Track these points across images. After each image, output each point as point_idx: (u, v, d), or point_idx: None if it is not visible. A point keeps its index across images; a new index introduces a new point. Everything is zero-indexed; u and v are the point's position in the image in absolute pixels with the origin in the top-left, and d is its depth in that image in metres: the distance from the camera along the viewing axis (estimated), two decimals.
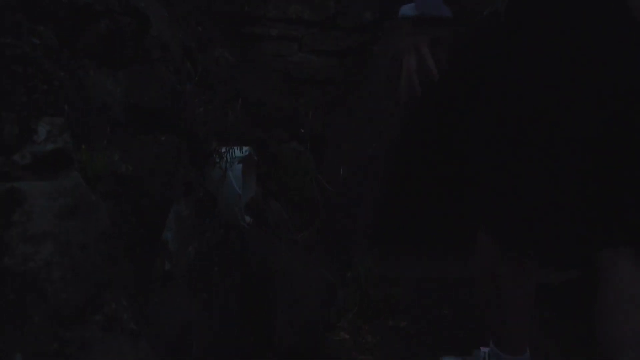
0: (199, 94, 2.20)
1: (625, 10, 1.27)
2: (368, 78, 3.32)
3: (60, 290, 1.15)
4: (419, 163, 3.16)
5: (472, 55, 1.51)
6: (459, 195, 1.85)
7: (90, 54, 1.60)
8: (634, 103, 1.31)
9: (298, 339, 2.26)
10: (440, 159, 2.63)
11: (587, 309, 2.49)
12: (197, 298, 1.84)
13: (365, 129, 3.29)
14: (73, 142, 1.34)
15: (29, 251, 1.11)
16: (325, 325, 2.42)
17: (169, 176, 1.76)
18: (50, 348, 1.11)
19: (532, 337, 1.67)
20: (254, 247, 2.31)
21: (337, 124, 3.30)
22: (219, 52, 2.92)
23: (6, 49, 1.27)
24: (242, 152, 2.13)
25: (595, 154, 1.32)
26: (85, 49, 1.57)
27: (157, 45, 2.06)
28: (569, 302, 2.72)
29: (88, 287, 1.22)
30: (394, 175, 3.26)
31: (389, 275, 2.80)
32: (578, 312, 2.62)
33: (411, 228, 3.04)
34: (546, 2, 1.36)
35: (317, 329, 2.36)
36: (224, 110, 2.19)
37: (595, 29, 1.31)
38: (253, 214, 2.32)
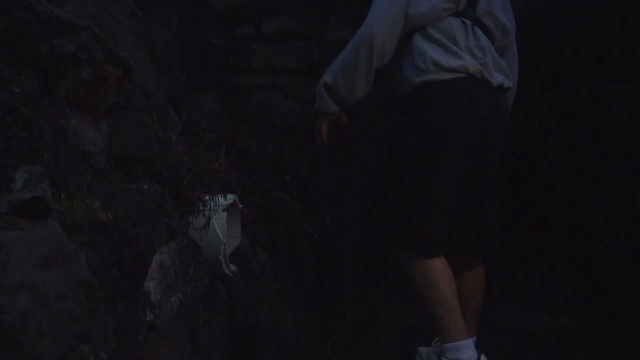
0: (183, 142, 2.19)
1: None
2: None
3: (37, 343, 1.10)
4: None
5: None
6: None
7: (72, 102, 1.59)
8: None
9: None
10: None
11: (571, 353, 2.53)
12: (181, 349, 1.79)
13: (350, 175, 3.29)
14: (52, 190, 1.32)
15: (4, 302, 1.07)
16: None
17: (152, 225, 1.73)
18: None
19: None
20: (239, 297, 2.27)
21: (323, 170, 3.30)
22: (203, 101, 2.93)
23: None
24: (227, 200, 2.11)
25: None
26: (67, 96, 1.56)
27: (141, 94, 2.07)
28: (554, 349, 2.73)
29: (66, 339, 1.18)
30: (377, 220, 3.25)
31: (378, 323, 2.76)
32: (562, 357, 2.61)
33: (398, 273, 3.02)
34: None
35: None
36: (209, 158, 2.18)
37: None
38: (239, 263, 2.29)
